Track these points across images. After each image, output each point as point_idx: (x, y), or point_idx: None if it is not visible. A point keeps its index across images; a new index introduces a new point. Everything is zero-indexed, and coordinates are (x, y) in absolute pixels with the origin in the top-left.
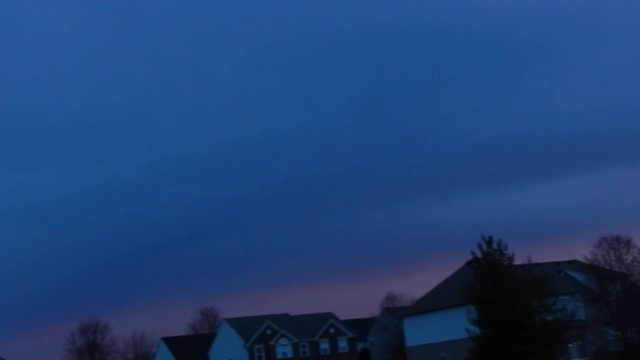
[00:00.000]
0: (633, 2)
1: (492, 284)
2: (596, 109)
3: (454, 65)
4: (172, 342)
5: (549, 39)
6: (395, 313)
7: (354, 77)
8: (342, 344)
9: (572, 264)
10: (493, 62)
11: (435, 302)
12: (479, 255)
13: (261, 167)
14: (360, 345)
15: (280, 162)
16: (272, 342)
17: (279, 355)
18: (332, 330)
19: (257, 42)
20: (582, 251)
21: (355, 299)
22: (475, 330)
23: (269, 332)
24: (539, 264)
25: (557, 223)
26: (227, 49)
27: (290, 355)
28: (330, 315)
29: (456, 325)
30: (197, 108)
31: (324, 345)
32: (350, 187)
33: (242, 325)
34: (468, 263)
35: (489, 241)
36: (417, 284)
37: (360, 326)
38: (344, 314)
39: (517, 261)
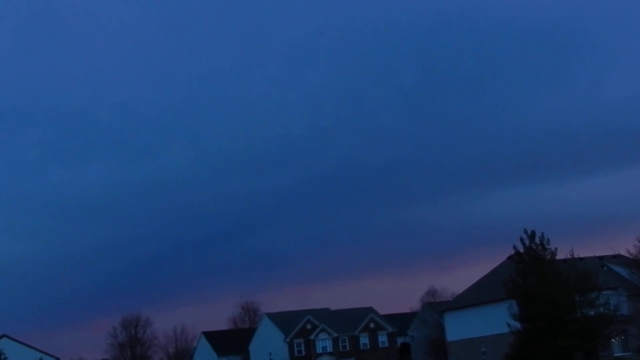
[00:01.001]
0: None
1: (534, 279)
2: None
3: (499, 58)
4: (212, 337)
5: (595, 31)
6: (436, 308)
7: (398, 71)
8: (382, 338)
9: (616, 258)
10: (539, 55)
11: (476, 296)
12: (521, 249)
13: (304, 162)
14: (400, 340)
15: (324, 157)
16: (312, 337)
17: (319, 350)
18: (372, 325)
19: (301, 37)
20: (626, 245)
21: (396, 294)
22: (517, 325)
23: (309, 326)
24: (581, 259)
25: (601, 217)
26: (271, 44)
27: (330, 349)
28: (370, 310)
29: (497, 320)
30: (242, 103)
31: (364, 340)
32: (393, 180)
33: (283, 320)
34: (510, 257)
35: (532, 235)
36: (458, 279)
37: (400, 321)
38: (384, 309)
39: (560, 255)
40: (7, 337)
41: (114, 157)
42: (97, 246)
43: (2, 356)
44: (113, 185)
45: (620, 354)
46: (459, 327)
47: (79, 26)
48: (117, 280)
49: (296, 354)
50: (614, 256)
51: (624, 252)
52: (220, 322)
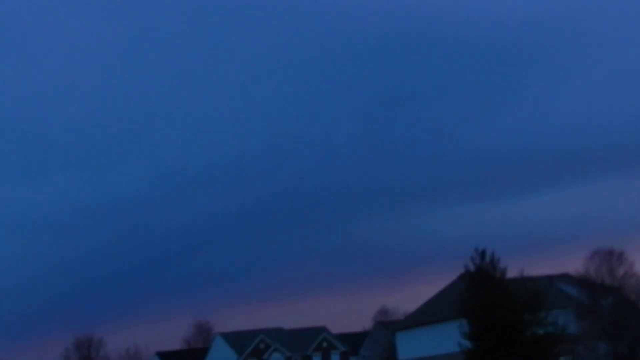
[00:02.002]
0: (631, 11)
1: (485, 296)
2: (594, 119)
3: (454, 77)
4: (166, 357)
5: (547, 50)
6: (388, 327)
7: (354, 87)
8: (335, 357)
9: (565, 277)
10: (493, 73)
11: (427, 315)
12: (472, 268)
13: (260, 179)
14: (353, 359)
15: (279, 173)
16: (265, 356)
17: None
18: (324, 344)
19: (259, 53)
20: (574, 264)
21: (349, 312)
22: (467, 344)
23: (262, 346)
24: (531, 278)
25: (551, 235)
26: (228, 60)
27: None
28: (323, 329)
29: (449, 339)
30: (198, 120)
31: (317, 359)
32: (347, 197)
33: (236, 339)
34: (461, 276)
35: (482, 254)
36: (410, 297)
37: (353, 340)
38: (337, 328)
39: (510, 274)
40: None
41: (68, 173)
42: (48, 265)
43: None
44: (66, 203)
45: None
46: (410, 346)
47: (32, 39)
48: (69, 300)
49: None
50: (562, 275)
51: (572, 271)
52: (174, 341)
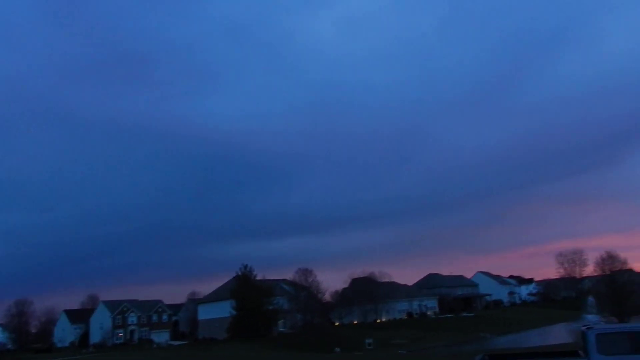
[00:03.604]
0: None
1: (244, 289)
2: (316, 206)
3: (247, 178)
4: (69, 313)
5: (288, 167)
6: (195, 301)
7: (193, 180)
8: (165, 317)
9: (284, 280)
10: (264, 181)
11: (216, 296)
12: (240, 273)
13: (149, 216)
14: (174, 318)
15: (157, 215)
16: (126, 315)
17: (129, 322)
18: (160, 309)
19: (153, 167)
20: (289, 275)
21: (175, 292)
22: (234, 312)
23: (125, 308)
24: (268, 280)
25: (278, 260)
26: (153, 176)
27: (135, 322)
28: (160, 301)
29: (226, 309)
30: (116, 195)
31: (155, 318)
32: (191, 232)
33: (111, 304)
34: (234, 277)
35: (245, 266)
36: (208, 286)
37: (176, 308)
38: (167, 301)
39: (258, 277)
40: None
41: (21, 210)
42: (9, 261)
43: None
44: (27, 227)
45: (282, 329)
46: (206, 312)
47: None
48: (12, 278)
49: (116, 324)
50: (283, 279)
51: (288, 278)
52: (75, 304)
